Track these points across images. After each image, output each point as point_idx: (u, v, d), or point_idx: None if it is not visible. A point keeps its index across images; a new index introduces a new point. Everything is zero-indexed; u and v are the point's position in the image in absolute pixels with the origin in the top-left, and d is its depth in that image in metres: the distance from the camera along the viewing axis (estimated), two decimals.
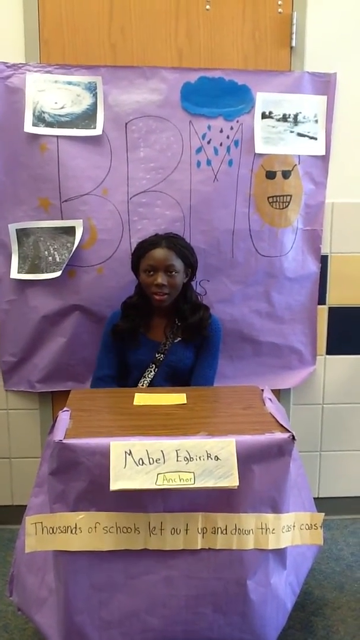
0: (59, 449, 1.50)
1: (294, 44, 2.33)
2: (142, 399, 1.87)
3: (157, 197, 2.33)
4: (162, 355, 2.11)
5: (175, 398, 1.87)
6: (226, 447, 1.50)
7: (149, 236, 2.16)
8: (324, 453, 2.68)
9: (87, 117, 2.28)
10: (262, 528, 1.56)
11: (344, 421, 2.66)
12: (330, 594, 2.19)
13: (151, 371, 2.10)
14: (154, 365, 2.11)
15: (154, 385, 2.10)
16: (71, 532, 1.50)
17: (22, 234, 2.34)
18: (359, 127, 2.43)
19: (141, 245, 2.11)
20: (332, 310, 2.57)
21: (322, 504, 2.08)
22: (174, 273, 2.05)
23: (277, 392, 2.53)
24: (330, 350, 2.60)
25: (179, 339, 2.14)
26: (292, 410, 2.62)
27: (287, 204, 2.40)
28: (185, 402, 1.85)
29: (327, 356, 2.60)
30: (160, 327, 2.16)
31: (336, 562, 2.38)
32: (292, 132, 2.37)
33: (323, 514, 1.67)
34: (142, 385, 2.09)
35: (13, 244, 2.34)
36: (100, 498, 1.49)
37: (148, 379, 2.10)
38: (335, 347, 2.60)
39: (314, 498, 1.94)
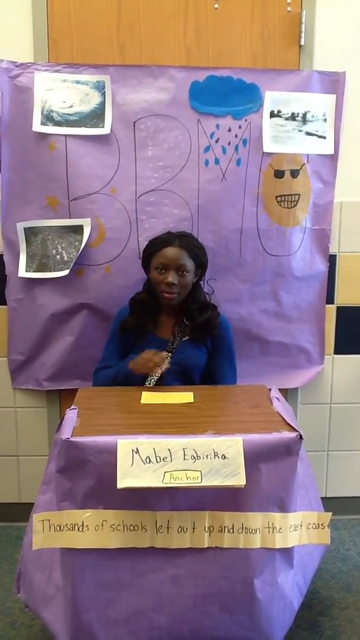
0: (66, 447, 1.50)
1: (302, 42, 2.32)
2: (149, 397, 1.87)
3: (165, 196, 2.33)
4: (169, 354, 2.11)
5: (183, 397, 1.87)
6: (233, 445, 1.50)
7: (161, 233, 2.16)
8: (332, 453, 2.67)
9: (95, 116, 2.28)
10: (269, 527, 1.56)
11: (351, 421, 2.65)
12: (337, 594, 2.18)
13: (158, 370, 2.10)
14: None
15: (162, 384, 2.10)
16: (78, 529, 1.50)
17: (30, 232, 2.34)
18: None
19: (153, 243, 2.11)
20: (340, 310, 2.56)
21: (330, 503, 2.08)
22: (185, 273, 2.05)
23: (285, 392, 2.52)
24: (338, 350, 2.59)
25: (187, 337, 2.14)
26: (299, 409, 2.62)
27: (295, 203, 2.40)
28: (192, 400, 1.86)
29: (335, 355, 2.60)
30: (167, 326, 2.16)
31: (343, 562, 2.38)
32: (300, 131, 2.37)
33: (330, 513, 1.67)
34: (149, 384, 2.09)
35: (21, 242, 2.35)
36: (108, 496, 1.50)
37: (155, 377, 2.09)
38: (343, 346, 2.59)
39: (321, 498, 1.94)
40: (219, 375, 2.17)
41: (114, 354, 2.17)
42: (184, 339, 2.13)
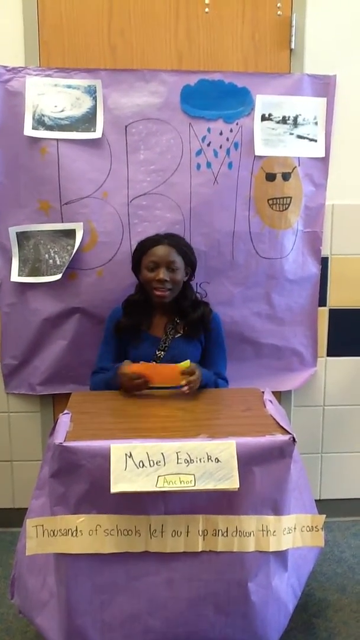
0: (59, 451, 1.50)
1: (293, 46, 2.33)
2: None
3: (157, 200, 2.34)
4: (162, 352, 2.11)
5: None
6: (227, 449, 1.50)
7: (149, 236, 2.17)
8: (325, 455, 2.68)
9: (87, 120, 2.29)
10: (263, 530, 1.56)
11: (344, 423, 2.65)
12: (332, 595, 2.18)
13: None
14: (154, 363, 2.10)
15: None
16: (72, 534, 1.50)
17: (22, 237, 2.34)
18: (358, 128, 2.43)
19: (143, 244, 2.13)
20: (332, 312, 2.57)
21: (324, 506, 2.08)
22: (175, 269, 2.07)
23: (278, 394, 2.52)
24: (330, 352, 2.60)
25: (179, 335, 2.15)
26: (292, 412, 2.62)
27: (287, 206, 2.41)
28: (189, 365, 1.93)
29: (328, 358, 2.60)
30: (161, 325, 2.17)
31: (338, 564, 2.38)
32: (291, 134, 2.38)
33: (324, 515, 1.67)
34: None
35: (13, 247, 2.34)
36: (101, 500, 1.50)
37: None
38: (336, 349, 2.59)
39: (315, 500, 1.94)
40: (211, 364, 2.18)
41: (109, 354, 2.18)
42: (176, 336, 2.14)
